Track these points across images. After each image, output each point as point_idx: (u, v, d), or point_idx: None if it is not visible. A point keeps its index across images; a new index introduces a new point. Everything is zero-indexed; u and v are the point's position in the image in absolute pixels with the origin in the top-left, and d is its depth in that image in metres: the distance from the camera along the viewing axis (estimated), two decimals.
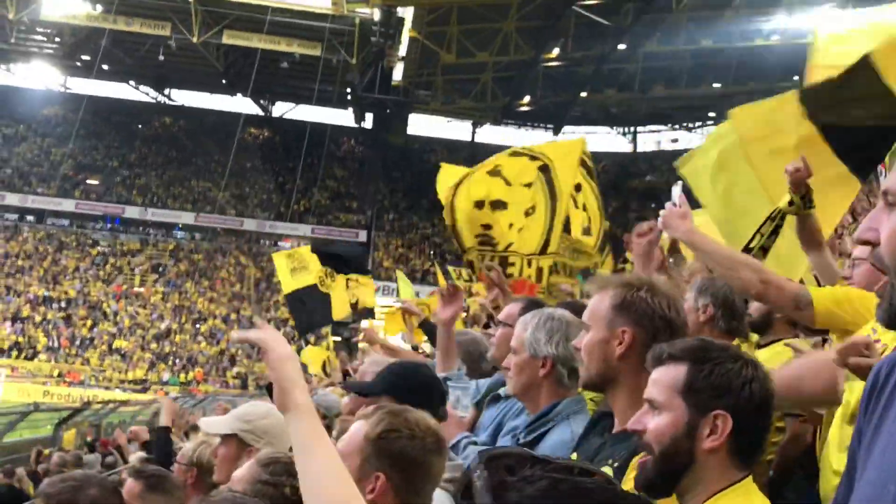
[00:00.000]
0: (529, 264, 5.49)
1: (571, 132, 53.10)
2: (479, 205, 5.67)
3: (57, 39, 45.38)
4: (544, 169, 5.64)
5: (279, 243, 46.49)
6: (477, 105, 44.30)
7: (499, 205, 5.66)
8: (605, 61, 38.58)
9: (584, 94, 44.21)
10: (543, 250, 5.48)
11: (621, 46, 37.71)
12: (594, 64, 39.14)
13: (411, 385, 2.55)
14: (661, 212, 2.71)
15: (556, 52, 38.42)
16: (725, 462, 1.54)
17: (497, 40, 37.42)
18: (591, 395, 2.47)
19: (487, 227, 5.61)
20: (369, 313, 12.39)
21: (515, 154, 5.98)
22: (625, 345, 1.96)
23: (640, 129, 53.65)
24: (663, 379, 1.59)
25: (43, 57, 48.20)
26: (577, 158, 5.77)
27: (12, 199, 44.55)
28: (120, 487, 2.99)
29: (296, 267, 11.04)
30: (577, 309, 2.47)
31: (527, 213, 5.57)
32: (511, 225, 5.60)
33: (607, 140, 53.93)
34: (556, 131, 52.71)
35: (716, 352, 1.61)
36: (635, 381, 1.87)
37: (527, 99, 44.41)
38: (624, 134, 53.86)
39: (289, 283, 11.09)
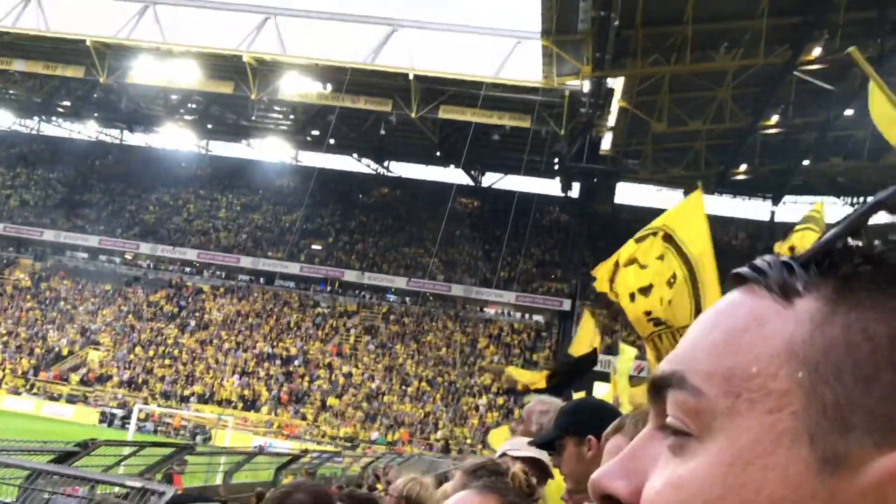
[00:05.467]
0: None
1: (793, 202, 50.30)
2: (632, 297, 5.56)
3: (291, 117, 49.73)
4: (668, 238, 5.38)
5: (484, 309, 47.29)
6: (689, 173, 43.06)
7: (645, 290, 5.47)
8: (829, 128, 36.36)
9: (806, 163, 41.80)
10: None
11: (848, 112, 35.41)
12: (817, 131, 37.01)
13: (587, 418, 2.37)
14: None
15: (775, 118, 36.73)
16: None
17: (711, 108, 36.40)
18: None
19: (648, 312, 5.43)
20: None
21: (639, 239, 5.75)
22: None
23: (870, 199, 49.78)
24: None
25: (278, 133, 52.92)
26: (701, 214, 5.45)
27: (245, 261, 48.84)
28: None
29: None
30: None
31: (669, 284, 5.30)
32: (661, 299, 5.37)
33: (834, 211, 50.51)
34: (776, 201, 50.07)
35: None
36: None
37: (743, 167, 42.68)
38: (852, 204, 50.19)
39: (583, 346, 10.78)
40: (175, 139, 56.26)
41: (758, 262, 0.57)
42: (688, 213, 5.62)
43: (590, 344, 9.84)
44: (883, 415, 0.48)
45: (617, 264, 5.87)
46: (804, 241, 4.86)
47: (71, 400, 39.17)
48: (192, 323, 45.62)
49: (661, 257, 5.44)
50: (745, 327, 0.53)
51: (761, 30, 30.01)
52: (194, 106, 50.66)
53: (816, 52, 30.52)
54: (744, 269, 0.58)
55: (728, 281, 0.60)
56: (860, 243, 0.54)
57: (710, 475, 0.51)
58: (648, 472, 0.56)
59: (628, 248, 5.70)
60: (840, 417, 0.48)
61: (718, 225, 51.07)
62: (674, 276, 5.27)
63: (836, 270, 0.53)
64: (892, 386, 0.48)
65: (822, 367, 0.50)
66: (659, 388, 0.57)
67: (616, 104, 37.33)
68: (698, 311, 5.05)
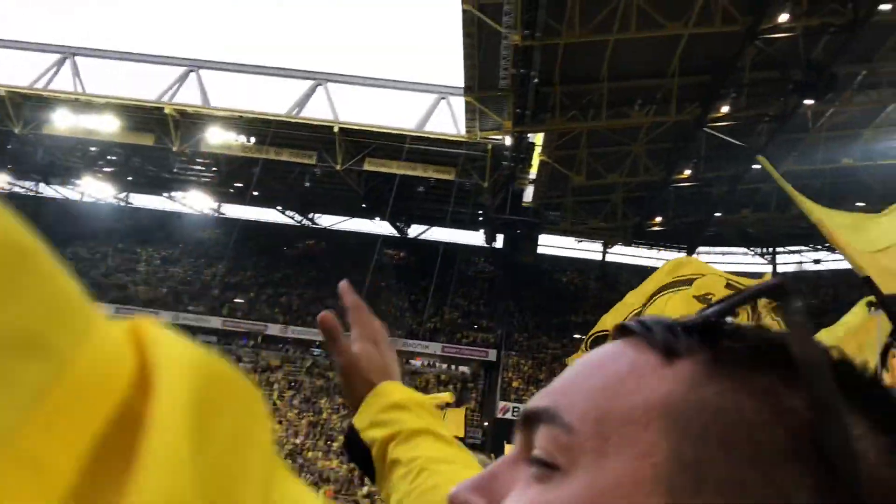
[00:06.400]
0: None
1: (706, 252, 52.17)
2: None
3: (213, 169, 49.30)
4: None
5: (411, 361, 47.22)
6: (607, 225, 44.40)
7: None
8: (739, 181, 38.13)
9: (718, 215, 43.57)
10: None
11: (756, 166, 37.22)
12: (728, 184, 38.74)
13: None
14: None
15: (687, 172, 38.32)
16: None
17: (627, 162, 37.81)
18: None
19: None
20: None
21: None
22: None
23: (779, 249, 52.06)
24: None
25: (200, 185, 52.33)
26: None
27: (166, 316, 47.62)
28: None
29: None
30: None
31: None
32: None
33: (744, 260, 52.61)
34: (690, 251, 51.80)
35: None
36: None
37: (659, 219, 44.21)
38: (762, 255, 52.38)
39: None
40: (93, 191, 55.02)
41: (645, 319, 0.59)
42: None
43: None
44: (735, 481, 0.50)
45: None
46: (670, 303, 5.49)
47: None
48: None
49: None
50: (625, 376, 0.56)
51: (672, 88, 31.57)
52: (114, 158, 49.74)
53: (725, 109, 32.17)
54: (631, 323, 0.60)
55: (613, 331, 0.62)
56: (739, 322, 0.57)
57: None
58: (506, 493, 0.58)
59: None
60: (696, 476, 0.50)
61: (636, 274, 52.49)
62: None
63: (715, 341, 0.56)
64: (749, 456, 0.50)
65: (690, 427, 0.52)
66: (531, 420, 0.59)
67: (537, 158, 38.41)
68: None
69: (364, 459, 1.37)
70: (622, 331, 0.61)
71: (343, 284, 1.60)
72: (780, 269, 52.25)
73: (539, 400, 0.59)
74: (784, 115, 30.80)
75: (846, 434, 0.50)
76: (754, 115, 32.12)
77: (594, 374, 0.58)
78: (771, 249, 51.96)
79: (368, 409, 1.40)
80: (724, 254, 52.43)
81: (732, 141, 33.81)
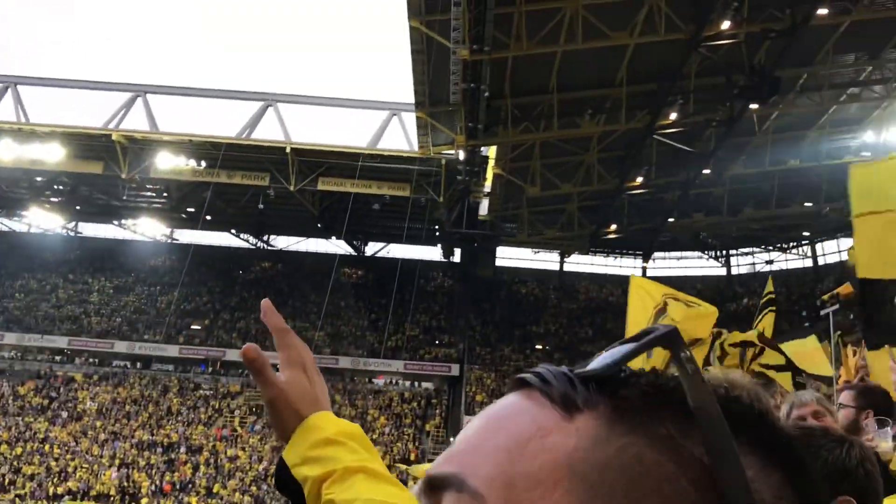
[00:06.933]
0: None
1: (662, 257, 52.78)
2: None
3: (164, 194, 48.54)
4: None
5: (373, 380, 46.85)
6: (564, 234, 44.66)
7: None
8: (690, 186, 38.68)
9: (671, 220, 44.16)
10: None
11: (706, 171, 37.82)
12: (679, 189, 39.29)
13: None
14: None
15: (640, 179, 38.76)
16: None
17: (580, 172, 38.11)
18: None
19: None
20: None
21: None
22: None
23: (732, 252, 52.87)
24: None
25: (151, 211, 51.46)
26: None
27: (120, 346, 46.68)
28: None
29: None
30: None
31: None
32: None
33: (699, 264, 53.31)
34: (647, 258, 52.39)
35: (820, 437, 1.63)
36: None
37: (613, 227, 44.64)
38: (716, 258, 53.14)
39: None
40: (41, 222, 53.78)
41: (542, 370, 0.59)
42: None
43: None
44: None
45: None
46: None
47: None
48: (65, 414, 42.98)
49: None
50: (528, 436, 0.55)
51: (621, 97, 31.95)
52: (61, 187, 48.69)
53: (673, 116, 32.62)
54: (528, 376, 0.60)
55: (510, 383, 0.62)
56: (636, 371, 0.58)
57: None
58: None
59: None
60: None
61: (594, 283, 52.92)
62: None
63: (613, 392, 0.56)
64: None
65: (597, 486, 0.52)
66: (436, 487, 0.58)
67: (491, 171, 38.51)
68: None
69: (297, 493, 1.28)
70: (519, 383, 0.60)
71: (265, 304, 1.42)
72: (733, 270, 53.07)
73: (444, 465, 0.58)
74: (731, 120, 31.33)
75: (743, 479, 0.51)
76: (702, 120, 32.63)
77: (498, 433, 0.57)
78: (725, 252, 52.74)
79: (300, 444, 1.31)
80: (679, 258, 53.11)
81: (682, 147, 34.27)
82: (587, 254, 51.00)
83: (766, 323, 7.92)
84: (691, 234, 49.21)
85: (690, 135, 34.15)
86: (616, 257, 53.02)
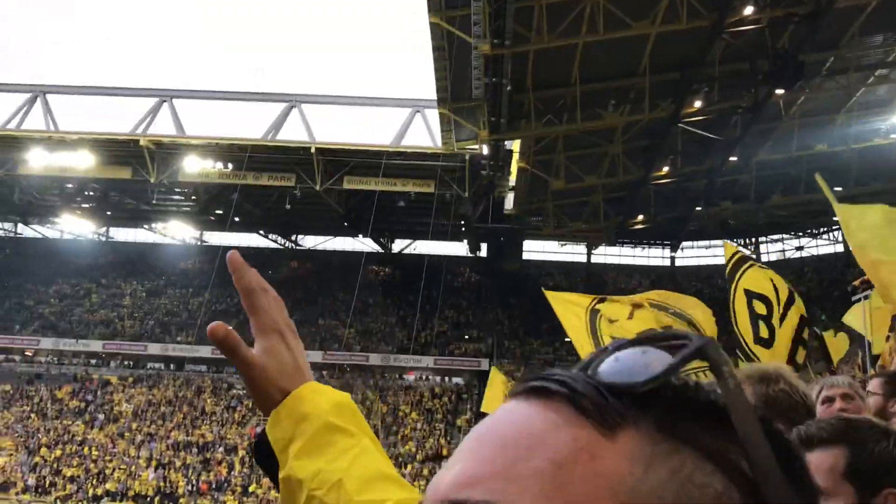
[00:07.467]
0: None
1: (690, 246, 52.43)
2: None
3: (193, 198, 49.07)
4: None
5: (404, 376, 47.07)
6: (590, 227, 44.50)
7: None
8: (717, 174, 38.37)
9: (698, 209, 43.81)
10: None
11: (732, 158, 37.48)
12: (706, 178, 38.98)
13: None
14: None
15: (665, 169, 38.49)
16: None
17: (605, 163, 37.93)
18: None
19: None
20: None
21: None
22: None
23: (762, 238, 52.37)
24: (822, 465, 1.56)
25: (180, 214, 52.07)
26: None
27: (154, 348, 47.35)
28: None
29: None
30: None
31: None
32: None
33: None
34: (675, 248, 52.07)
35: (866, 429, 1.63)
36: None
37: (640, 217, 44.40)
38: (746, 245, 52.66)
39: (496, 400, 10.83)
40: (73, 228, 54.62)
41: (562, 377, 0.53)
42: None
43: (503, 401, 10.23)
44: None
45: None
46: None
47: None
48: (101, 417, 43.69)
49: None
50: (572, 459, 0.49)
51: (644, 87, 31.72)
52: (92, 193, 49.45)
53: (698, 104, 32.36)
54: (550, 384, 0.53)
55: (520, 389, 0.55)
56: (677, 383, 0.53)
57: None
58: None
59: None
60: None
61: (622, 274, 52.70)
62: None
63: (647, 405, 0.51)
64: None
65: None
66: None
67: (515, 165, 38.47)
68: None
69: (275, 467, 1.24)
70: (537, 391, 0.53)
71: (232, 255, 1.28)
72: (763, 258, 52.58)
73: (469, 489, 0.50)
74: (756, 106, 31.02)
75: (790, 498, 0.49)
76: (727, 107, 32.33)
77: (531, 454, 0.50)
78: (753, 239, 52.26)
79: (284, 420, 1.24)
80: (707, 247, 52.72)
81: (707, 135, 34.00)
82: (614, 245, 50.80)
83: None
84: (719, 223, 48.80)
85: (716, 122, 33.87)
86: (644, 248, 52.76)
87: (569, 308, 7.46)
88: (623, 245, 51.62)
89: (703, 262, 51.29)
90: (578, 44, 29.06)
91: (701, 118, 33.31)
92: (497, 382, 11.02)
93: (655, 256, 52.82)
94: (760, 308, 6.11)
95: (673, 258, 52.11)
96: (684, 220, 45.24)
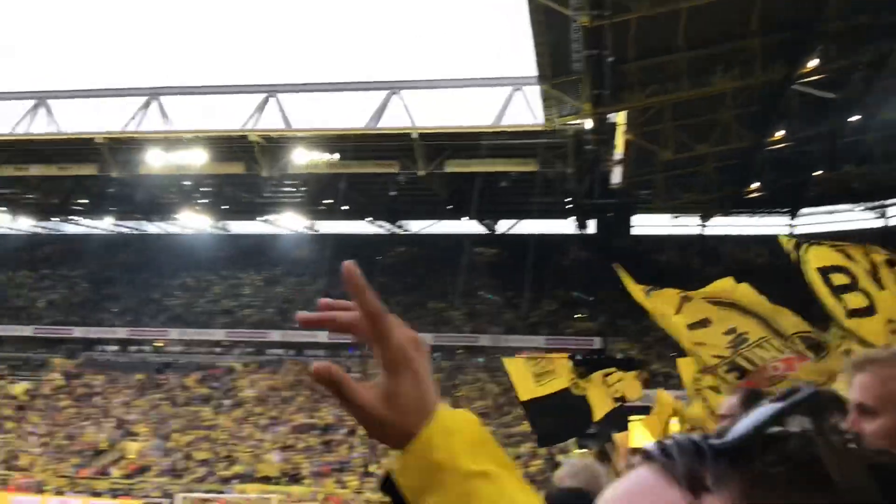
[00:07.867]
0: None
1: (809, 213, 49.99)
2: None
3: (303, 188, 50.35)
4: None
5: (515, 356, 46.97)
6: (702, 197, 43.05)
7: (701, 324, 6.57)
8: (837, 136, 36.36)
9: (818, 173, 41.66)
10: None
11: (854, 118, 35.41)
12: (825, 140, 37.00)
13: None
14: None
15: (780, 133, 36.72)
16: None
17: (716, 131, 36.50)
18: None
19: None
20: (632, 411, 11.60)
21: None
22: None
23: (890, 201, 49.35)
24: (873, 384, 1.59)
25: (292, 205, 53.51)
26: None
27: (274, 335, 49.03)
28: None
29: (540, 372, 10.20)
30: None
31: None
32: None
33: (851, 217, 50.14)
34: (793, 214, 49.80)
35: None
36: None
37: (756, 185, 42.61)
38: (872, 209, 49.79)
39: (529, 389, 10.03)
40: (192, 224, 57.02)
41: (669, 444, 0.54)
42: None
43: (530, 392, 9.72)
44: None
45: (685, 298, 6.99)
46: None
47: (114, 494, 39.07)
48: (227, 402, 45.66)
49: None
50: None
51: (755, 49, 30.29)
52: (207, 189, 51.46)
53: (813, 63, 30.65)
54: (654, 450, 0.55)
55: (640, 456, 0.58)
56: (776, 439, 0.51)
57: None
58: None
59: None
60: None
61: (739, 245, 50.78)
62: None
63: (748, 465, 0.50)
64: None
65: None
66: None
67: (621, 137, 37.55)
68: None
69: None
70: (646, 455, 0.56)
71: (348, 270, 1.05)
72: (892, 221, 49.57)
73: None
74: (879, 61, 29.14)
75: None
76: (846, 64, 30.51)
77: None
78: (881, 203, 49.30)
79: (413, 470, 1.09)
80: (829, 212, 50.09)
81: (825, 95, 32.23)
82: (729, 215, 48.99)
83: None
84: (842, 187, 46.25)
85: (834, 81, 32.05)
86: (761, 216, 50.64)
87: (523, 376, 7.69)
88: (738, 215, 49.68)
89: (824, 227, 48.80)
90: (682, 9, 27.98)
91: (817, 78, 31.59)
92: (515, 371, 10.30)
93: (774, 224, 50.61)
94: (841, 279, 5.29)
95: (791, 226, 49.83)
96: (803, 185, 43.15)
